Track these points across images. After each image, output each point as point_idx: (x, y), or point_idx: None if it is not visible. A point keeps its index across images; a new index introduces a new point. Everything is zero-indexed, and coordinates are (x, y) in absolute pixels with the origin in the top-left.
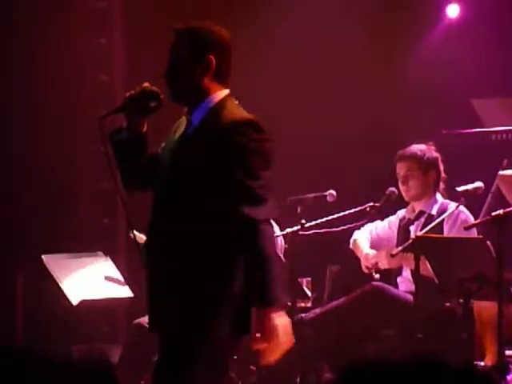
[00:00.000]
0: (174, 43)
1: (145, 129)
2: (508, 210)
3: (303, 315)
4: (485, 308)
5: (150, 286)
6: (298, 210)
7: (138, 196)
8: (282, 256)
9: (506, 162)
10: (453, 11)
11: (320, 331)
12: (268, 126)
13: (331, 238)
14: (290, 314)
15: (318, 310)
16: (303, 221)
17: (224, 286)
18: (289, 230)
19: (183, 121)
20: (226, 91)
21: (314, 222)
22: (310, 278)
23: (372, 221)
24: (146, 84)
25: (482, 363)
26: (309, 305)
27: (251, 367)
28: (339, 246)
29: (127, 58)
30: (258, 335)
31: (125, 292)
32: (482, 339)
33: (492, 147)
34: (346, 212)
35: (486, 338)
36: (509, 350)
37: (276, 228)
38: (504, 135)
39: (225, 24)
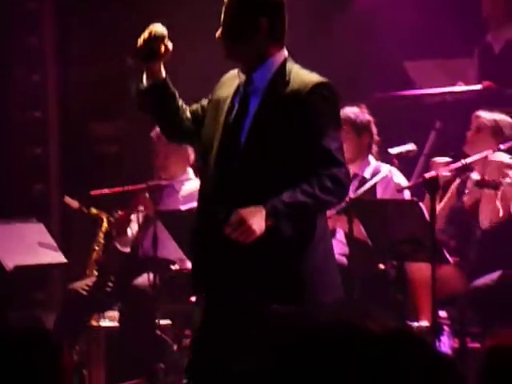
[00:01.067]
0: (227, 5)
1: (163, 75)
2: (440, 171)
3: None
4: (418, 270)
5: (219, 255)
6: None
7: (73, 162)
8: None
9: (438, 123)
10: None
11: None
12: None
13: None
14: None
15: None
16: None
17: (309, 253)
18: None
19: (232, 80)
20: (285, 52)
21: None
22: None
23: None
24: (152, 26)
25: (416, 324)
26: None
27: (186, 332)
28: None
29: (59, 57)
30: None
31: (58, 258)
32: (415, 301)
33: (424, 109)
34: None
35: (419, 299)
36: (442, 310)
37: None
38: (436, 97)
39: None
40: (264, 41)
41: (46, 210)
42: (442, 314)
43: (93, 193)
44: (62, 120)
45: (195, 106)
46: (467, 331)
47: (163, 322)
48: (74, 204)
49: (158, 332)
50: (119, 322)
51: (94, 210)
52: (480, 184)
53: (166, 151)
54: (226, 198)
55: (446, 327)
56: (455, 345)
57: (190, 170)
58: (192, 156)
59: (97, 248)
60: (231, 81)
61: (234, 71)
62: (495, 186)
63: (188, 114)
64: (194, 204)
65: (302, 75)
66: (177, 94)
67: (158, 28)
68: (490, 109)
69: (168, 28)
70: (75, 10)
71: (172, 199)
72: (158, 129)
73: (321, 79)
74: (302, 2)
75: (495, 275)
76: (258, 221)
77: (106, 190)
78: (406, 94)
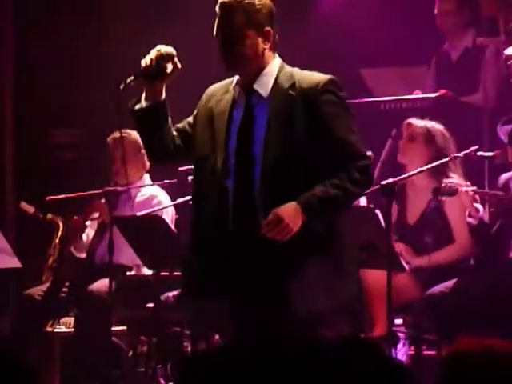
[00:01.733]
0: (225, 16)
1: (163, 96)
2: (397, 179)
3: None
4: (373, 278)
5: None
6: (189, 180)
7: (29, 167)
8: (172, 226)
9: (394, 131)
10: None
11: None
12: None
13: None
14: (175, 285)
15: None
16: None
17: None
18: (180, 200)
19: (221, 93)
20: (278, 57)
21: None
22: None
23: None
24: (160, 46)
25: (372, 333)
26: None
27: (142, 337)
28: None
29: (15, 64)
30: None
31: (14, 263)
32: (371, 308)
33: (381, 117)
34: None
35: (374, 307)
36: (398, 318)
37: (167, 198)
38: (393, 105)
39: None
40: (267, 48)
41: (1, 215)
42: (398, 321)
43: (48, 198)
44: (17, 126)
45: (181, 125)
46: (423, 339)
47: (118, 328)
48: (30, 209)
49: (114, 338)
50: (74, 328)
51: (49, 216)
52: (436, 192)
53: (123, 156)
54: (245, 206)
55: (401, 335)
56: (411, 352)
57: (147, 176)
58: (148, 162)
59: (52, 254)
60: (220, 94)
61: (219, 84)
62: (452, 193)
63: (175, 133)
64: (150, 210)
65: (306, 76)
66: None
67: (167, 47)
68: (422, 116)
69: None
70: (34, 21)
71: (128, 205)
72: (115, 134)
73: (328, 76)
74: None
75: (450, 283)
76: (294, 219)
77: (61, 196)
78: (362, 102)
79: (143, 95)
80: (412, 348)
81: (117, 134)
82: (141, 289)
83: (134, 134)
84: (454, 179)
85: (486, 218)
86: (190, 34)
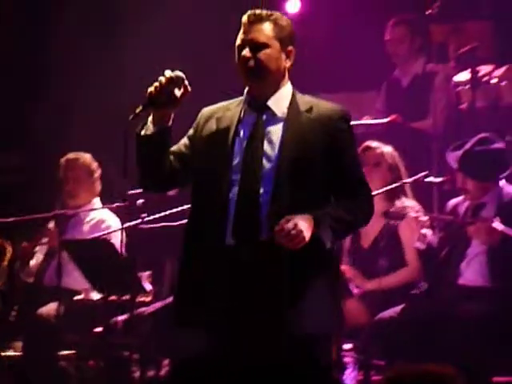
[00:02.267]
0: (254, 23)
1: (170, 122)
2: None
3: (143, 309)
4: None
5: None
6: (139, 203)
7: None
8: (121, 250)
9: None
10: (292, 6)
11: (160, 325)
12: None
13: (172, 232)
14: (130, 309)
15: (157, 305)
16: (144, 214)
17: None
18: (129, 223)
19: (221, 112)
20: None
21: (154, 216)
22: (150, 272)
23: None
24: (167, 71)
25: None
26: (149, 299)
27: (90, 362)
28: (180, 240)
29: None
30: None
31: None
32: None
33: None
34: (187, 206)
35: None
36: (347, 343)
37: (116, 222)
38: None
39: None
40: (287, 67)
41: None
42: (347, 346)
43: None
44: None
45: (177, 148)
46: (371, 364)
47: (66, 352)
48: None
49: (61, 362)
50: (23, 351)
51: None
52: (386, 215)
53: (76, 178)
54: (248, 222)
55: (350, 360)
56: (360, 377)
57: (97, 200)
58: (99, 187)
59: (0, 277)
60: (221, 112)
61: (215, 106)
62: (400, 217)
63: (171, 157)
64: (99, 233)
65: (323, 102)
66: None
67: (176, 72)
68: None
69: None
70: None
71: (77, 229)
72: (69, 155)
73: (342, 107)
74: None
75: (399, 308)
76: (307, 228)
77: (10, 219)
78: None
79: (150, 119)
80: (361, 373)
81: (71, 156)
82: (89, 313)
83: (89, 158)
84: (408, 203)
85: (435, 243)
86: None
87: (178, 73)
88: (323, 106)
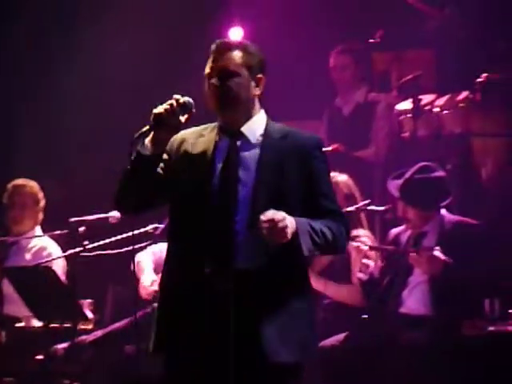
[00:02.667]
0: (223, 52)
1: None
2: None
3: (84, 337)
4: None
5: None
6: (81, 231)
7: None
8: (63, 278)
9: None
10: (236, 34)
11: (101, 353)
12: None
13: (114, 260)
14: (71, 337)
15: (99, 332)
16: (85, 242)
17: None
18: (71, 251)
19: (195, 136)
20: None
21: (96, 244)
22: (91, 300)
23: (156, 242)
24: (178, 96)
25: None
26: (90, 327)
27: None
28: (122, 268)
29: None
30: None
31: None
32: None
33: None
34: (130, 233)
35: None
36: None
37: (57, 249)
38: None
39: None
40: (257, 96)
41: None
42: None
43: None
44: None
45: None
46: None
47: (7, 379)
48: None
49: None
50: None
51: None
52: None
53: (22, 204)
54: (224, 249)
55: None
56: None
57: (38, 228)
58: (42, 216)
59: None
60: (193, 137)
61: (188, 130)
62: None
63: None
64: (40, 261)
65: (297, 131)
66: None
67: (186, 97)
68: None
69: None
70: None
71: (19, 256)
72: (17, 181)
73: (317, 136)
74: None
75: (341, 336)
76: (292, 226)
77: None
78: None
79: (148, 140)
80: None
81: (19, 181)
82: (30, 340)
83: (36, 186)
84: (360, 233)
85: (376, 273)
86: None
87: (189, 99)
88: (298, 134)
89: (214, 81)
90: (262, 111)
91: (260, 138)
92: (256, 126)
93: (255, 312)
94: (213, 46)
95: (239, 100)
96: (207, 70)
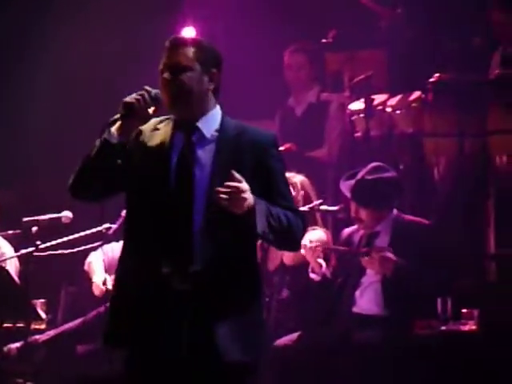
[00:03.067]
0: (175, 48)
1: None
2: None
3: (37, 337)
4: None
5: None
6: (33, 230)
7: None
8: (16, 278)
9: None
10: (188, 34)
11: (54, 353)
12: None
13: (67, 260)
14: (24, 336)
15: (52, 332)
16: (38, 242)
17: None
18: (23, 251)
19: (151, 129)
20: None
21: (49, 244)
22: (44, 300)
23: (108, 242)
24: (149, 88)
25: None
26: (43, 326)
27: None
28: (75, 268)
29: None
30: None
31: None
32: None
33: None
34: (82, 233)
35: None
36: None
37: (10, 249)
38: None
39: None
40: (211, 91)
41: None
42: None
43: None
44: None
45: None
46: None
47: None
48: None
49: None
50: None
51: None
52: None
53: None
54: (181, 250)
55: None
56: None
57: None
58: None
59: None
60: (149, 130)
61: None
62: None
63: None
64: None
65: (253, 128)
66: None
67: (156, 90)
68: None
69: None
70: None
71: None
72: None
73: (272, 133)
74: None
75: (294, 335)
76: (250, 196)
77: None
78: None
79: (114, 128)
80: None
81: None
82: None
83: None
84: (312, 233)
85: (329, 273)
86: None
87: (159, 92)
88: (254, 130)
89: (166, 75)
90: (218, 106)
91: (215, 134)
92: (211, 121)
93: (209, 311)
94: (166, 43)
95: (191, 94)
96: (160, 65)
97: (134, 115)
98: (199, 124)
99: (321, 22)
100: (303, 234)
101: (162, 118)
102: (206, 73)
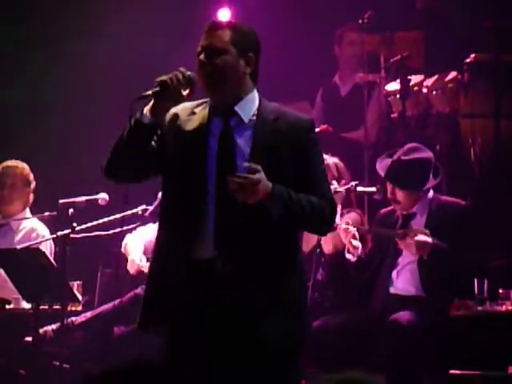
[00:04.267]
0: (212, 32)
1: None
2: None
3: (74, 319)
4: None
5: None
6: (70, 212)
7: None
8: (52, 259)
9: None
10: (224, 15)
11: (90, 335)
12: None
13: (103, 242)
14: (61, 319)
15: (88, 314)
16: (74, 224)
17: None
18: (60, 233)
19: (186, 113)
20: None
21: (85, 225)
22: (80, 282)
23: (145, 224)
24: (183, 69)
25: None
26: (79, 308)
27: (20, 371)
28: (111, 250)
29: None
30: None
31: None
32: None
33: None
34: (119, 215)
35: None
36: None
37: (46, 231)
38: None
39: None
40: (248, 75)
41: None
42: None
43: None
44: None
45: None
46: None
47: None
48: None
49: None
50: None
51: None
52: None
53: (13, 185)
54: (227, 233)
55: None
56: None
57: (27, 210)
58: (32, 199)
59: None
60: (185, 115)
61: (180, 106)
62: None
63: None
64: (30, 243)
65: (291, 112)
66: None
67: (191, 72)
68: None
69: None
70: None
71: (8, 238)
72: (7, 162)
73: (309, 117)
74: None
75: (331, 317)
76: (264, 187)
77: None
78: None
79: (147, 109)
80: None
81: (10, 163)
82: (19, 322)
83: (27, 168)
84: (348, 214)
85: (364, 255)
86: None
87: (194, 74)
88: (292, 115)
89: (201, 57)
90: (255, 90)
91: (253, 118)
92: (249, 105)
93: (250, 296)
94: (205, 27)
95: (226, 77)
96: (198, 48)
97: (167, 94)
98: (237, 108)
99: (358, 3)
100: (331, 219)
101: (199, 101)
102: (243, 57)
